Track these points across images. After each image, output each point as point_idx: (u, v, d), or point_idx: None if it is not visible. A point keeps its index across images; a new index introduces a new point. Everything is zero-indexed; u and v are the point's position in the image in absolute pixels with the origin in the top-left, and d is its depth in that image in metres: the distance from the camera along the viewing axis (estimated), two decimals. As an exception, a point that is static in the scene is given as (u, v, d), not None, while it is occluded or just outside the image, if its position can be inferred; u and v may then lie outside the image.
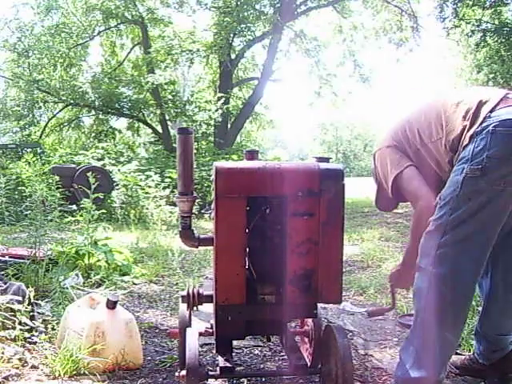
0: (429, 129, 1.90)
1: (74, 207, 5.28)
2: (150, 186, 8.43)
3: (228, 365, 1.84)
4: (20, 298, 2.44)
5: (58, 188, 4.55)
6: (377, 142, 2.14)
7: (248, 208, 1.75)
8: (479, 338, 2.13)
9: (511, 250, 1.96)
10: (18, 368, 2.15)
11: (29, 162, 7.49)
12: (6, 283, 2.66)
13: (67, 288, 3.17)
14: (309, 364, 2.05)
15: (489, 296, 2.04)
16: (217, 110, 13.60)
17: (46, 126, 15.88)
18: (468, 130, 1.75)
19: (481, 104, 1.77)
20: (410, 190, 1.95)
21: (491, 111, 1.73)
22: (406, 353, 1.81)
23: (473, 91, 1.93)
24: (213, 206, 1.81)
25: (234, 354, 2.18)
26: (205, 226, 7.44)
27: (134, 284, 3.88)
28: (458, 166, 1.75)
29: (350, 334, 2.79)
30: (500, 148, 1.66)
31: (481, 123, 1.72)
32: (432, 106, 1.96)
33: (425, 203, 1.86)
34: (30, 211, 3.90)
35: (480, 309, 2.16)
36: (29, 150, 11.99)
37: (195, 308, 2.11)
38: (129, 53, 16.87)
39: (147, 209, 7.82)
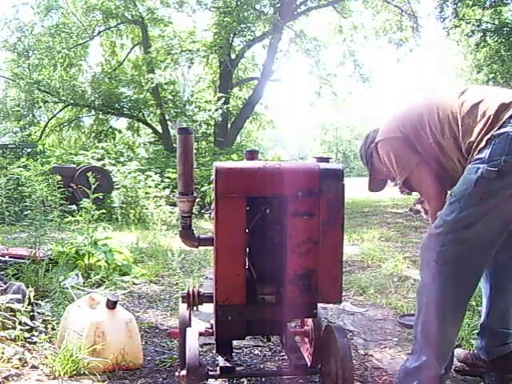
0: (442, 126, 1.86)
1: (74, 207, 5.26)
2: (149, 186, 8.43)
3: (228, 365, 1.84)
4: (20, 298, 2.44)
5: (59, 188, 4.55)
6: (380, 130, 2.13)
7: (248, 208, 1.75)
8: (483, 334, 2.13)
9: None
10: (18, 368, 2.15)
11: (25, 165, 7.50)
12: (6, 283, 2.66)
13: (67, 288, 3.17)
14: (309, 364, 2.05)
15: (496, 288, 2.06)
16: (217, 110, 13.59)
17: (46, 126, 15.88)
18: (486, 134, 1.72)
19: (501, 108, 1.73)
20: (421, 189, 2.01)
21: (511, 117, 1.70)
22: (415, 347, 1.85)
23: (492, 92, 1.89)
24: (213, 206, 1.81)
25: (234, 353, 2.18)
26: (205, 226, 7.43)
27: (134, 284, 3.88)
28: (473, 165, 1.73)
29: (350, 334, 2.79)
30: None
31: (500, 127, 1.69)
32: (447, 102, 1.89)
33: (437, 204, 1.90)
34: (29, 211, 3.90)
35: (480, 308, 2.17)
36: (29, 149, 11.99)
37: (195, 308, 2.11)
38: (129, 53, 16.86)
39: (147, 209, 7.82)
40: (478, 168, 1.70)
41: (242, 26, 13.58)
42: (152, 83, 13.48)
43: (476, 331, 2.26)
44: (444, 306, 1.76)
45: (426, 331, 1.80)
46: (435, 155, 1.91)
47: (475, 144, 1.76)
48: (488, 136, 1.71)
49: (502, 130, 1.69)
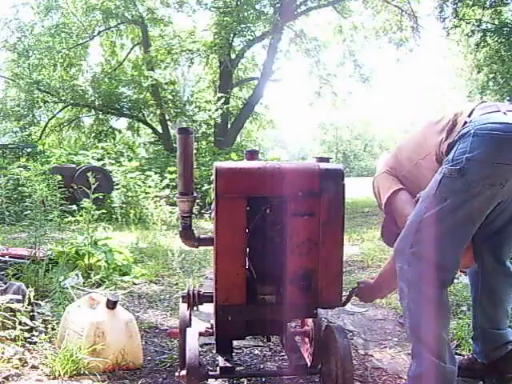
0: (417, 148, 2.00)
1: (74, 207, 5.27)
2: (149, 186, 8.43)
3: (228, 365, 1.84)
4: (20, 298, 2.44)
5: (59, 188, 4.55)
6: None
7: (248, 208, 1.75)
8: (477, 338, 2.14)
9: (502, 246, 2.01)
10: (18, 368, 2.15)
11: (25, 165, 7.50)
12: (5, 283, 2.66)
13: (67, 288, 3.17)
14: (309, 364, 2.05)
15: (483, 288, 2.07)
16: (217, 110, 13.60)
17: (46, 126, 15.86)
18: (445, 140, 1.82)
19: (456, 116, 1.85)
20: (402, 216, 1.99)
21: (469, 116, 1.79)
22: (413, 352, 1.83)
23: (451, 107, 2.03)
24: (213, 206, 1.81)
25: (234, 353, 2.18)
26: (205, 226, 7.44)
27: (134, 284, 3.88)
28: (441, 167, 1.80)
29: (350, 334, 2.79)
30: (481, 151, 1.68)
31: (461, 130, 1.77)
32: (419, 130, 2.10)
33: None
34: (29, 211, 3.90)
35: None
36: (29, 149, 11.99)
37: (195, 308, 2.11)
38: (129, 53, 16.85)
39: (147, 209, 7.82)
40: (443, 169, 1.76)
41: (242, 26, 13.57)
42: (152, 80, 13.47)
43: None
44: (425, 306, 1.75)
45: (417, 334, 1.78)
46: (417, 177, 1.99)
47: (445, 149, 1.83)
48: (449, 141, 1.81)
49: (465, 130, 1.75)
